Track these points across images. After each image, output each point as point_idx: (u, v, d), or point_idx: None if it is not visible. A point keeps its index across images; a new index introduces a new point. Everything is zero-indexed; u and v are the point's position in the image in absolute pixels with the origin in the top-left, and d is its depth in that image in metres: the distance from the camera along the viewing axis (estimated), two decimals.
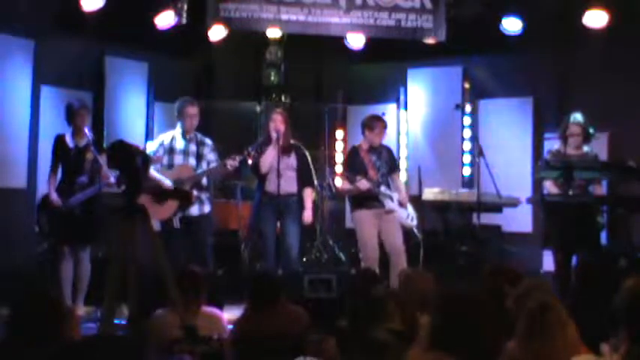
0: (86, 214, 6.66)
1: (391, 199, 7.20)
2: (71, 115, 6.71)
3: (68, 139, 6.74)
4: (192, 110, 6.81)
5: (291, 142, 7.16)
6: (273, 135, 6.95)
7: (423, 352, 2.80)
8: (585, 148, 6.89)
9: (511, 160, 8.66)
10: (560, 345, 3.15)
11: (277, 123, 7.01)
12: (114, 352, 3.27)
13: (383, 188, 7.18)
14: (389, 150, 7.53)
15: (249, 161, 6.90)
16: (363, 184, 7.02)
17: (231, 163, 6.65)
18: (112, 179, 6.34)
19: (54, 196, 6.63)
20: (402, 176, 8.72)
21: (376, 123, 7.30)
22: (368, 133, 7.28)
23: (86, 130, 6.69)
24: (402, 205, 7.28)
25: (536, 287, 3.73)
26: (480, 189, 7.43)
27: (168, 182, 6.67)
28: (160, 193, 6.49)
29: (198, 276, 4.71)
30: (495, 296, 3.98)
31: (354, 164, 7.25)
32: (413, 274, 4.80)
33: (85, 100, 7.22)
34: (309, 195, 7.23)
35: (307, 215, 7.17)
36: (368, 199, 7.17)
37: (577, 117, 6.85)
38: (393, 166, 7.46)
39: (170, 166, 6.79)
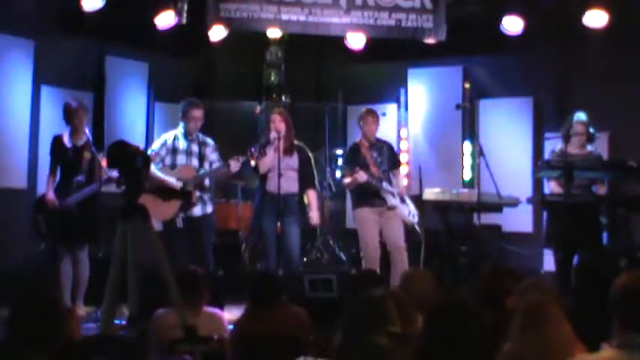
0: (84, 213, 6.64)
1: (393, 195, 7.21)
2: (68, 115, 6.69)
3: (66, 139, 6.73)
4: (198, 113, 6.80)
5: (295, 142, 7.15)
6: (274, 135, 6.95)
7: None
8: (589, 147, 6.90)
9: (511, 160, 8.66)
10: (554, 342, 3.16)
11: (276, 123, 7.00)
12: (114, 353, 3.27)
13: (385, 184, 7.19)
14: (390, 146, 7.55)
15: (252, 162, 6.89)
16: (361, 175, 7.02)
17: (234, 164, 6.64)
18: (115, 174, 6.20)
19: (51, 196, 6.62)
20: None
21: (366, 116, 7.36)
22: (362, 127, 7.35)
23: (86, 131, 6.69)
24: (401, 198, 7.27)
25: (535, 286, 3.73)
26: (481, 189, 7.43)
27: (172, 180, 6.66)
28: (163, 192, 6.48)
29: (199, 277, 4.72)
30: (495, 296, 3.99)
31: (355, 160, 7.26)
32: (413, 274, 4.80)
33: (84, 100, 7.19)
34: (313, 196, 7.23)
35: (315, 217, 7.19)
36: (369, 196, 7.17)
37: (581, 116, 6.87)
38: (394, 161, 7.48)
39: (173, 166, 6.78)
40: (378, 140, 7.44)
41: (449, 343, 2.74)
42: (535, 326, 3.20)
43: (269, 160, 6.93)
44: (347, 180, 7.20)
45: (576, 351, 3.20)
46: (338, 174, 7.31)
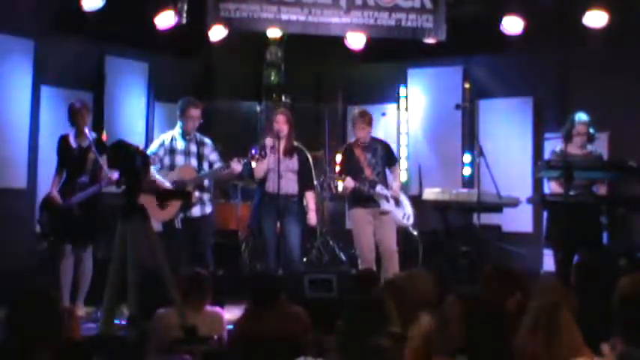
0: (86, 213, 6.64)
1: (387, 199, 7.15)
2: (73, 116, 6.70)
3: (72, 140, 6.74)
4: (195, 112, 6.78)
5: (294, 143, 7.13)
6: (269, 142, 6.89)
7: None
8: (590, 147, 6.91)
9: (511, 160, 8.67)
10: (563, 346, 3.16)
11: (280, 124, 6.97)
12: (114, 353, 3.27)
13: (379, 188, 7.13)
14: (384, 145, 7.43)
15: (253, 164, 6.86)
16: (349, 182, 6.97)
17: (236, 166, 6.62)
18: (115, 175, 6.21)
19: (54, 193, 6.63)
20: (403, 176, 8.74)
21: (357, 118, 7.25)
22: (354, 130, 7.28)
23: (86, 131, 6.68)
24: (395, 201, 7.21)
25: (548, 288, 3.73)
26: (480, 189, 7.43)
27: (168, 184, 6.65)
28: (161, 194, 6.46)
29: (203, 278, 4.73)
30: (497, 297, 3.98)
31: (349, 163, 7.21)
32: (412, 275, 4.79)
33: (86, 100, 7.20)
34: (311, 197, 7.21)
35: (312, 217, 7.17)
36: (364, 200, 7.13)
37: (582, 116, 6.88)
38: (389, 159, 7.38)
39: (172, 166, 6.76)
40: (373, 139, 7.38)
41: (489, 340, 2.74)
42: (546, 327, 3.19)
43: (264, 166, 6.91)
44: (339, 187, 7.11)
45: (583, 356, 3.19)
46: (339, 186, 7.18)
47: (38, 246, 7.16)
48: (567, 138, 6.87)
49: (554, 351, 3.15)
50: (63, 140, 6.77)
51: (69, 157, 6.72)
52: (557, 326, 3.18)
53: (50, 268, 6.76)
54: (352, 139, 7.57)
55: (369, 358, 2.91)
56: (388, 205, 7.14)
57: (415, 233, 7.47)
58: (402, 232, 7.34)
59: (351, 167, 7.17)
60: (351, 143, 7.42)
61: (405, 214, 7.26)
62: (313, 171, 7.37)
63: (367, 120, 7.25)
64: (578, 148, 6.85)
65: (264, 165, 6.90)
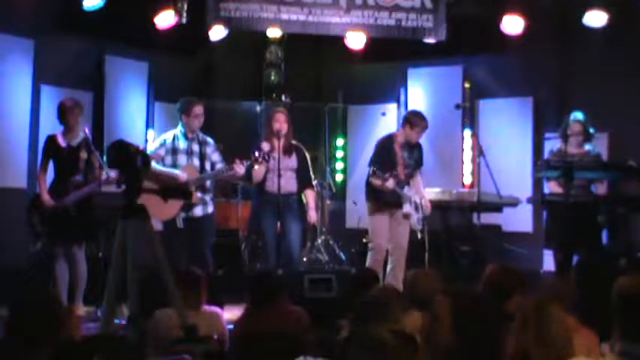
0: (81, 212, 6.57)
1: (410, 202, 7.10)
2: (62, 114, 6.60)
3: (60, 139, 6.62)
4: (200, 110, 6.76)
5: (292, 142, 7.13)
6: (266, 147, 6.86)
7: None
8: (587, 147, 6.91)
9: (511, 160, 8.67)
10: (554, 343, 3.16)
11: (281, 122, 6.95)
12: (114, 352, 3.27)
13: (406, 189, 7.09)
14: (420, 148, 7.36)
15: (256, 167, 6.84)
16: (390, 183, 6.85)
17: (239, 168, 6.61)
18: (114, 173, 6.13)
19: (46, 197, 6.51)
20: None
21: (420, 122, 7.14)
22: (408, 129, 7.11)
23: (86, 130, 6.65)
24: (415, 203, 7.16)
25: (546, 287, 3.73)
26: (480, 189, 7.42)
27: (177, 172, 6.63)
28: (164, 192, 6.45)
29: (197, 277, 4.72)
30: (497, 297, 3.99)
31: (386, 155, 7.09)
32: (419, 274, 4.78)
33: (80, 99, 7.03)
34: (311, 196, 7.21)
35: (312, 215, 7.17)
36: (390, 201, 7.06)
37: (577, 115, 6.90)
38: (419, 163, 7.34)
39: (174, 166, 6.74)
40: None
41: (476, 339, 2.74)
42: (534, 325, 3.20)
43: (263, 170, 6.90)
44: (377, 182, 6.93)
45: (581, 337, 3.19)
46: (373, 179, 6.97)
47: (31, 248, 7.12)
48: (564, 138, 6.89)
49: (545, 348, 3.15)
50: (50, 140, 6.64)
51: (58, 157, 6.61)
52: (545, 323, 3.18)
53: (46, 269, 6.72)
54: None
55: (372, 354, 2.91)
56: (409, 208, 7.08)
57: (419, 237, 7.37)
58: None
59: (385, 161, 7.02)
60: (391, 137, 7.28)
61: (418, 218, 7.20)
62: (311, 170, 7.36)
63: (426, 127, 7.18)
64: (575, 148, 6.86)
65: (263, 169, 6.90)
